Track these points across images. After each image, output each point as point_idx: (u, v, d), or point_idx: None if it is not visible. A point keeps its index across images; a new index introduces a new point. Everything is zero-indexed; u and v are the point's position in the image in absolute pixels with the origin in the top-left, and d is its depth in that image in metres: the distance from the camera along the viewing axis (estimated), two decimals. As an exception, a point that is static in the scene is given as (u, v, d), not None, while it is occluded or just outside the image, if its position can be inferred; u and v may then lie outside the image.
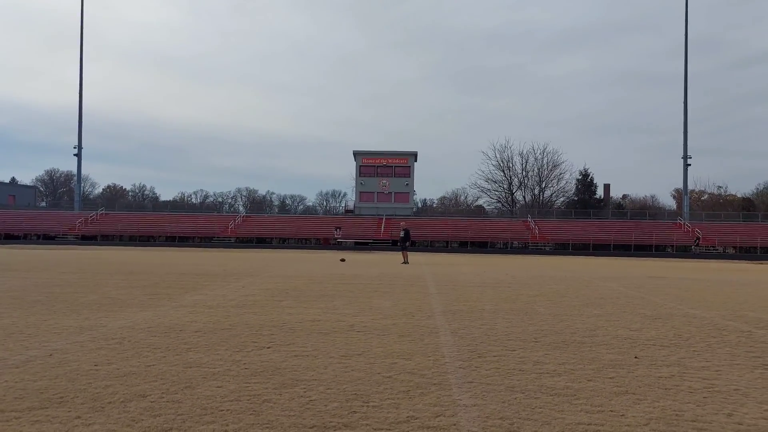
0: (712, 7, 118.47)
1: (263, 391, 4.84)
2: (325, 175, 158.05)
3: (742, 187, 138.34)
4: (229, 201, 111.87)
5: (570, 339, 7.47)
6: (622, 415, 4.39)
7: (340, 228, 57.79)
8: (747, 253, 50.78)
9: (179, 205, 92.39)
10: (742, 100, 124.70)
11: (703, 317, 9.71)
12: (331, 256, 33.86)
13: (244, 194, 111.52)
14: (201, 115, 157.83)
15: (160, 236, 58.19)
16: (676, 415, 4.40)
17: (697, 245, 49.89)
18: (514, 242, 57.00)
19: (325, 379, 5.26)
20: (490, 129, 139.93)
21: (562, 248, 53.49)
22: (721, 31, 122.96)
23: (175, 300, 10.80)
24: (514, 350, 6.71)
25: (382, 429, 3.99)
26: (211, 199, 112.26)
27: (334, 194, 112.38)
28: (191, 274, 17.32)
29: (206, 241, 57.03)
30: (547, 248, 54.89)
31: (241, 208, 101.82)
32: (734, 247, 53.50)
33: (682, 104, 61.71)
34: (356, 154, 68.13)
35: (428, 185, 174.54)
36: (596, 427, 4.10)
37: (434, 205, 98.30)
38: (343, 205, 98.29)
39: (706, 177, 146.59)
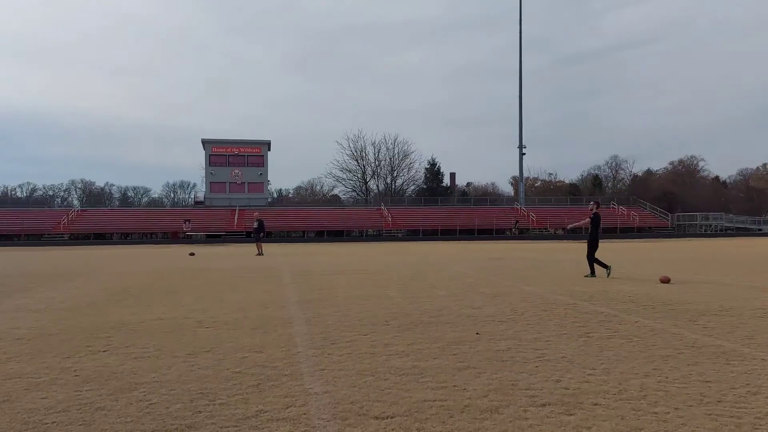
0: (545, 8, 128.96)
1: (96, 398, 4.45)
2: (171, 165, 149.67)
3: (568, 173, 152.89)
4: (62, 194, 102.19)
5: (418, 320, 7.75)
6: (464, 389, 4.61)
7: (189, 220, 55.17)
8: (573, 233, 56.38)
9: (1, 200, 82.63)
10: (568, 95, 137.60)
11: (536, 293, 10.57)
12: (179, 251, 32.24)
13: (79, 186, 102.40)
14: (24, 98, 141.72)
15: (-23, 235, 51.62)
16: (512, 384, 4.72)
17: (516, 226, 54.22)
18: (369, 230, 58.26)
19: (168, 380, 4.96)
20: (344, 119, 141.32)
21: (414, 234, 55.63)
22: (553, 31, 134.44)
23: (-6, 305, 9.61)
24: (366, 334, 6.82)
25: (228, 426, 3.83)
26: (40, 192, 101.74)
27: (183, 185, 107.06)
28: (14, 276, 15.56)
29: (34, 239, 51.56)
30: (400, 235, 56.76)
31: (75, 202, 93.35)
32: (563, 228, 59.14)
33: (518, 97, 66.65)
34: (205, 142, 65.31)
35: (283, 175, 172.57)
36: (440, 403, 4.26)
37: (290, 195, 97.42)
38: (192, 196, 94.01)
39: (539, 165, 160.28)
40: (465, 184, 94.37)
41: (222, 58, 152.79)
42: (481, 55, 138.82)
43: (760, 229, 59.83)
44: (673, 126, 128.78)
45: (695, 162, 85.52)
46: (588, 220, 13.92)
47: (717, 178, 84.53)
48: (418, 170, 78.72)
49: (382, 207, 62.63)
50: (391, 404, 4.25)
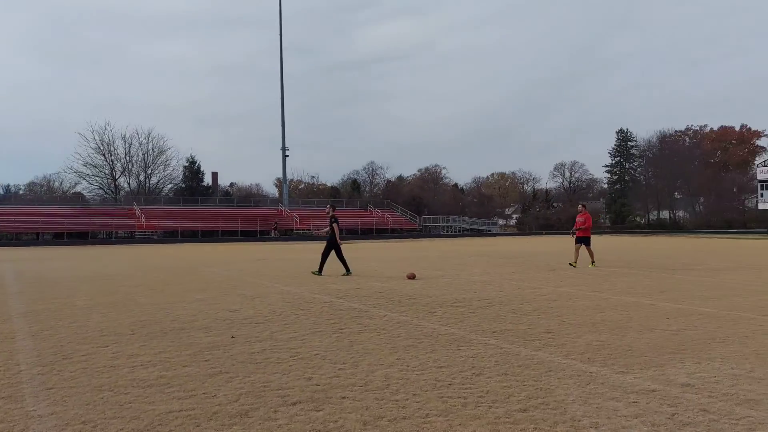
0: (308, 13, 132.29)
1: None
2: None
3: (331, 177, 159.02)
4: None
5: (169, 327, 7.27)
6: (214, 395, 4.42)
7: None
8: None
9: None
10: (330, 102, 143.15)
11: (295, 293, 10.70)
12: None
13: None
14: None
15: None
16: (264, 386, 4.66)
17: (275, 228, 54.82)
18: (120, 231, 53.47)
19: None
20: (87, 108, 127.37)
21: (171, 236, 52.53)
22: (314, 41, 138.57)
23: None
24: (107, 346, 6.18)
25: None
26: None
27: None
28: None
29: None
30: (156, 236, 53.12)
31: None
32: (312, 232, 61.56)
33: (280, 100, 67.26)
34: None
35: (11, 169, 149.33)
36: (187, 413, 4.02)
37: (21, 192, 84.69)
38: None
39: (303, 167, 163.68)
40: (228, 184, 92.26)
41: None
42: (244, 55, 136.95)
43: (490, 230, 69.07)
44: (421, 136, 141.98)
45: (439, 170, 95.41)
46: (335, 226, 14.43)
47: (456, 185, 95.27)
48: (176, 168, 74.62)
49: (135, 206, 58.00)
50: (130, 419, 3.88)
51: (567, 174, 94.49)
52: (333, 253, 14.36)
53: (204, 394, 4.47)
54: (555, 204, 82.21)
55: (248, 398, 4.34)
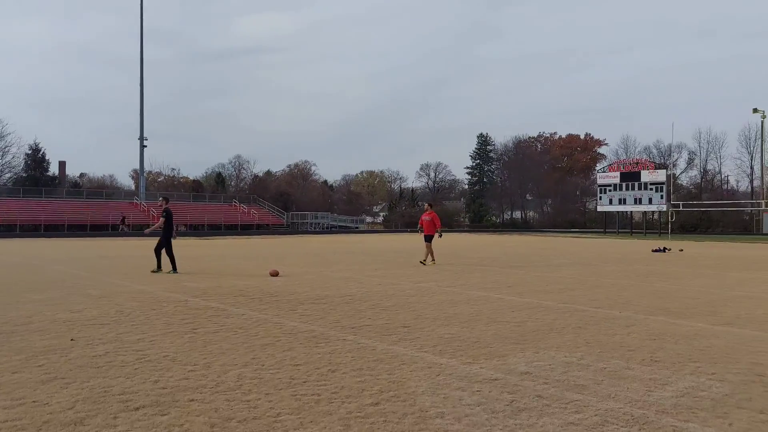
0: (171, 1, 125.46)
1: None
2: None
3: (194, 170, 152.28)
4: None
5: (-2, 330, 6.55)
6: (46, 403, 4.05)
7: None
8: (196, 229, 56.40)
9: None
10: (195, 92, 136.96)
11: (148, 291, 10.11)
12: None
13: None
14: None
15: None
16: (104, 391, 4.34)
17: (124, 223, 51.59)
18: (-55, 224, 47.39)
19: None
20: None
21: (9, 230, 47.51)
22: (178, 26, 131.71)
23: None
24: None
25: None
26: None
27: None
28: None
29: None
30: (-10, 230, 47.74)
31: None
32: (186, 225, 58.64)
33: (139, 88, 63.27)
34: None
35: None
36: (13, 423, 3.65)
37: None
38: None
39: (163, 160, 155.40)
40: (78, 174, 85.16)
41: None
42: (100, 37, 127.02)
43: (357, 227, 70.00)
44: (291, 132, 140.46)
45: (308, 166, 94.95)
46: (162, 220, 13.99)
47: (325, 181, 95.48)
48: (16, 155, 67.60)
49: (-34, 196, 51.77)
50: (-62, 437, 3.44)
51: (432, 174, 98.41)
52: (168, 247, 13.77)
53: (34, 402, 4.07)
54: (420, 203, 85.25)
55: (85, 405, 4.03)
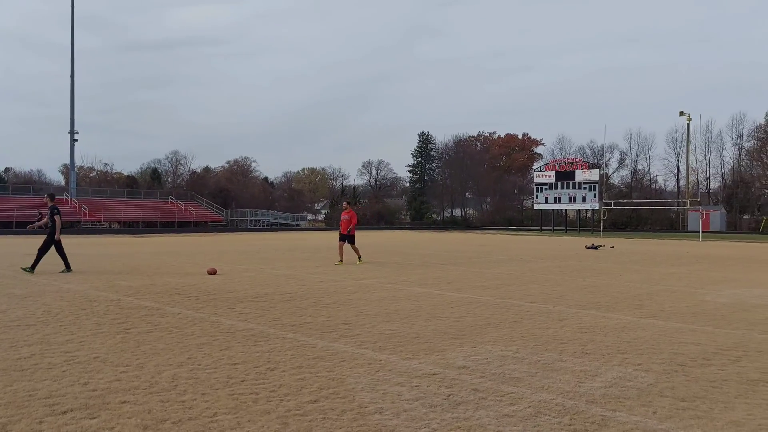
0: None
1: None
2: None
3: (128, 165, 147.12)
4: None
5: None
6: (-37, 410, 3.83)
7: None
8: (130, 226, 54.50)
9: None
10: (129, 84, 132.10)
11: (77, 290, 9.71)
12: None
13: None
14: None
15: None
16: (29, 395, 4.14)
17: (39, 220, 49.65)
18: None
19: None
20: None
21: (-75, 227, 44.59)
22: (110, 14, 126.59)
23: None
24: None
25: None
26: None
27: None
28: None
29: None
30: None
31: None
32: (119, 222, 56.53)
33: (70, 78, 60.56)
34: None
35: None
36: (-76, 434, 3.43)
37: None
38: None
39: (94, 154, 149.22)
40: (3, 169, 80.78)
41: None
42: (23, 21, 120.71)
43: (298, 225, 69.41)
44: (231, 127, 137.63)
45: (249, 162, 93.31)
46: (46, 218, 13.33)
47: (266, 178, 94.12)
48: (-66, 148, 63.46)
49: None
50: None
51: (374, 172, 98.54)
52: (55, 248, 13.09)
53: (-51, 410, 3.84)
54: (362, 200, 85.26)
55: (8, 410, 3.83)
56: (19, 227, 47.13)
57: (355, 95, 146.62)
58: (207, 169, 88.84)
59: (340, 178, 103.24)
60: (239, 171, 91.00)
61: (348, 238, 15.95)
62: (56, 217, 13.11)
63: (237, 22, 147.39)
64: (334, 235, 42.14)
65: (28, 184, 67.29)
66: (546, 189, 56.96)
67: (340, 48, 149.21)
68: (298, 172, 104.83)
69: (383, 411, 3.92)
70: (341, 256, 15.93)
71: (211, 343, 5.89)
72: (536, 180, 58.77)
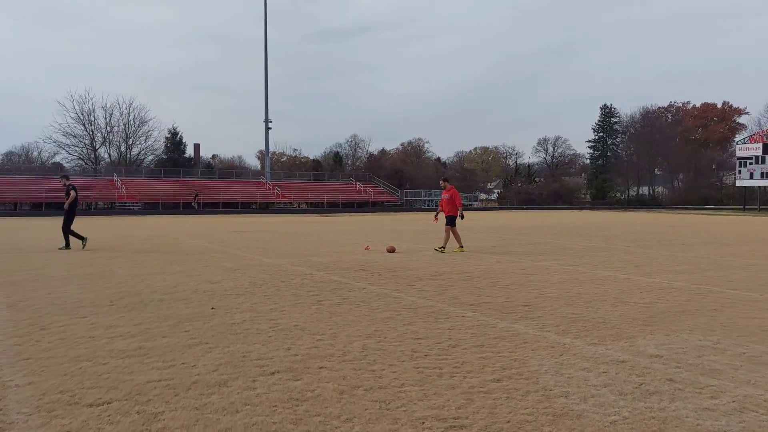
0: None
1: None
2: None
3: (313, 150, 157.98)
4: None
5: (149, 298, 7.27)
6: (194, 365, 4.46)
7: None
8: (316, 207, 58.71)
9: None
10: (313, 72, 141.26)
11: (276, 264, 10.73)
12: None
13: None
14: None
15: None
16: (243, 356, 4.71)
17: (195, 200, 54.09)
18: (99, 203, 52.83)
19: None
20: (65, 76, 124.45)
21: (152, 207, 52.09)
22: (297, 5, 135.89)
23: None
24: (85, 317, 6.17)
25: None
26: None
27: None
28: None
29: None
30: (136, 208, 52.61)
31: None
32: (307, 202, 61.17)
33: (264, 70, 66.27)
34: None
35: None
36: (166, 382, 4.06)
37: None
38: None
39: (286, 140, 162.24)
40: (210, 156, 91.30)
41: None
42: (226, 22, 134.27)
43: (471, 204, 69.41)
44: (405, 109, 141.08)
45: (422, 144, 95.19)
46: (74, 195, 13.98)
47: (439, 159, 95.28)
48: (158, 139, 73.57)
49: (115, 177, 57.32)
50: (108, 389, 3.91)
51: (550, 149, 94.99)
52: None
53: (183, 364, 4.50)
54: (537, 179, 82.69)
55: (227, 368, 4.39)
56: (225, 207, 53.09)
57: (528, 70, 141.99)
58: (383, 152, 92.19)
59: (513, 156, 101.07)
60: (413, 152, 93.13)
61: (449, 219, 13.58)
62: (72, 192, 13.94)
63: (410, 4, 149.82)
64: (508, 215, 41.57)
65: (231, 170, 75.16)
66: (751, 163, 50.58)
67: (514, 21, 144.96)
68: (470, 151, 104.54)
69: (569, 395, 3.84)
70: (445, 243, 13.51)
71: (395, 318, 6.18)
72: (739, 153, 52.39)
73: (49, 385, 3.98)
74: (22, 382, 4.05)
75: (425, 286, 8.40)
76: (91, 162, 71.33)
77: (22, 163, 78.17)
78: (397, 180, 73.43)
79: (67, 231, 13.85)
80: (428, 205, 64.98)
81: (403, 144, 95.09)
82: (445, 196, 13.89)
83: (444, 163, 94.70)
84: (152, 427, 3.30)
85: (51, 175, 60.14)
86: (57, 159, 74.21)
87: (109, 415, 3.46)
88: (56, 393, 3.84)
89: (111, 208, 51.67)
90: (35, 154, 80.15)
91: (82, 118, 69.67)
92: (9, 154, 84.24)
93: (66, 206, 13.99)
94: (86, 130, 70.43)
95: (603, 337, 5.41)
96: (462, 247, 13.49)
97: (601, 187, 77.33)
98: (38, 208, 48.99)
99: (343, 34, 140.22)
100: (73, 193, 13.92)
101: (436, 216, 14.28)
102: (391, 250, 13.18)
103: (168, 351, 4.87)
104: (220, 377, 4.18)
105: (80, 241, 13.95)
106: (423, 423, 3.37)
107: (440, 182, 14.57)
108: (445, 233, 13.55)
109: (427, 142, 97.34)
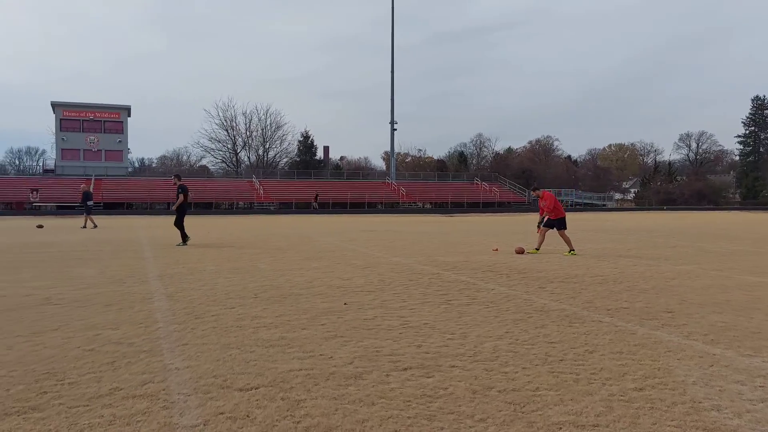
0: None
1: None
2: (15, 130, 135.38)
3: (437, 150, 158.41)
4: None
5: (288, 292, 7.71)
6: (331, 357, 4.68)
7: (37, 190, 50.37)
8: (440, 207, 58.85)
9: None
10: (437, 73, 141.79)
11: (404, 263, 10.92)
12: (25, 223, 29.38)
13: None
14: None
15: None
16: (376, 351, 4.86)
17: (317, 200, 55.11)
18: (240, 203, 56.72)
19: (8, 361, 4.54)
20: (211, 85, 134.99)
21: (286, 207, 55.05)
22: (426, 9, 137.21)
23: None
24: (233, 308, 6.67)
25: (78, 406, 3.59)
26: None
27: (29, 151, 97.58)
28: None
29: None
30: (272, 208, 55.87)
31: None
32: (431, 202, 61.49)
33: (390, 73, 67.54)
34: (55, 105, 59.68)
35: (146, 143, 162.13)
36: (306, 372, 4.29)
37: (153, 165, 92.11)
38: (41, 164, 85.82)
39: (410, 141, 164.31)
40: (338, 157, 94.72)
41: (70, 10, 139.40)
42: (354, 28, 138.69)
43: (605, 205, 66.06)
44: (532, 107, 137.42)
45: (551, 141, 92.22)
46: (182, 196, 15.32)
47: (569, 157, 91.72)
48: (291, 142, 77.66)
49: (254, 179, 61.19)
50: (256, 376, 4.21)
51: (693, 145, 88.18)
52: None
53: (321, 355, 4.73)
54: (678, 177, 76.98)
55: (362, 362, 4.56)
56: (353, 207, 54.78)
57: (668, 60, 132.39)
58: (509, 150, 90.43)
59: (652, 154, 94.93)
60: (541, 150, 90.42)
61: (556, 222, 13.16)
62: (181, 195, 15.30)
63: (533, 2, 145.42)
64: (644, 216, 39.10)
65: (357, 171, 77.39)
66: None
67: (650, 9, 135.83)
68: (603, 148, 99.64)
69: (721, 409, 3.57)
70: (570, 245, 13.07)
71: (526, 320, 6.07)
72: None
73: (204, 369, 4.36)
74: (181, 365, 4.47)
75: (557, 288, 8.15)
76: (233, 165, 76.66)
77: (173, 166, 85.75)
78: (524, 179, 71.66)
79: (180, 227, 15.35)
80: (557, 206, 62.75)
81: (530, 142, 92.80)
82: (542, 204, 13.41)
83: (575, 161, 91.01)
84: (296, 413, 3.51)
85: (198, 177, 65.29)
86: (203, 162, 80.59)
87: (257, 400, 3.73)
88: (210, 377, 4.19)
89: (250, 208, 55.20)
90: (185, 157, 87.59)
91: (225, 124, 75.14)
92: (162, 158, 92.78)
93: (175, 207, 15.59)
94: (229, 135, 75.88)
95: (759, 349, 4.95)
96: (573, 250, 13.01)
97: (752, 186, 70.40)
98: (188, 207, 53.31)
99: (468, 32, 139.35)
100: (181, 196, 15.43)
101: (541, 222, 13.53)
102: (520, 251, 12.92)
103: (307, 342, 5.14)
104: (356, 370, 4.34)
105: (182, 239, 15.26)
106: (560, 428, 3.29)
107: (533, 192, 13.99)
108: (562, 237, 13.19)
109: (557, 139, 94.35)
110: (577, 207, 62.73)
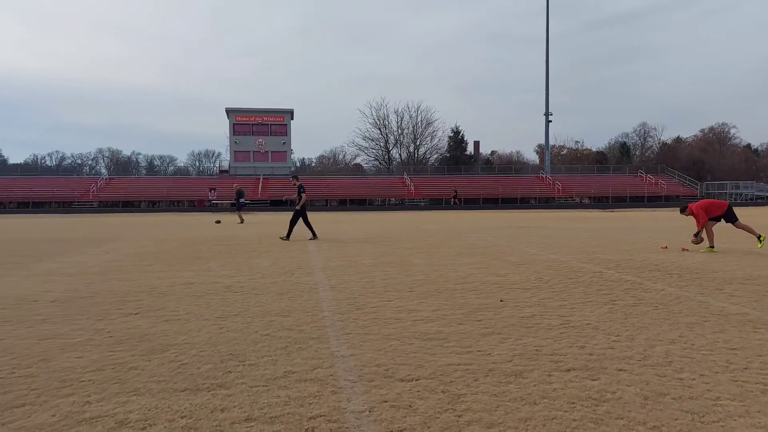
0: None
1: (129, 358, 4.59)
2: (196, 134, 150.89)
3: (596, 141, 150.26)
4: (90, 163, 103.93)
5: (443, 287, 7.79)
6: (489, 354, 4.66)
7: (215, 189, 55.75)
8: (600, 201, 55.75)
9: (31, 168, 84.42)
10: (594, 61, 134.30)
11: (562, 261, 10.53)
12: (205, 218, 32.67)
13: (107, 155, 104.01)
14: (49, 66, 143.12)
15: (9, 202, 52.95)
16: (536, 350, 4.75)
17: (455, 197, 53.43)
18: (392, 199, 58.28)
19: (198, 342, 5.09)
20: (366, 86, 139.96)
21: (437, 204, 55.55)
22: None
23: (27, 269, 9.90)
24: (391, 300, 6.89)
25: (258, 386, 3.94)
26: (69, 160, 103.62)
27: (208, 154, 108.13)
28: (46, 241, 15.95)
29: (65, 206, 52.69)
30: (423, 204, 56.69)
31: (103, 170, 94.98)
32: (589, 197, 58.46)
33: (544, 63, 65.31)
34: (229, 111, 65.55)
35: (306, 144, 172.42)
36: (465, 367, 4.32)
37: (313, 164, 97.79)
38: (217, 165, 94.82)
39: (565, 133, 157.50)
40: (489, 152, 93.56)
41: (245, 25, 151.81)
42: (504, 20, 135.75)
43: (794, 199, 58.41)
44: (703, 93, 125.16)
45: (726, 129, 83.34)
46: (298, 195, 15.88)
47: (749, 146, 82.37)
48: (441, 138, 78.17)
49: (405, 176, 62.48)
50: (416, 367, 4.31)
51: None
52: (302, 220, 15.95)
53: (479, 351, 4.73)
54: None
55: (521, 360, 4.48)
56: (504, 203, 53.83)
57: None
58: (678, 140, 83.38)
59: None
60: (715, 139, 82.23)
61: (725, 216, 12.01)
62: (303, 195, 15.74)
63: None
64: None
65: (509, 165, 75.91)
66: None
67: None
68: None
69: None
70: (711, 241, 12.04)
71: (701, 324, 5.58)
72: None
73: (368, 358, 4.56)
74: (347, 353, 4.71)
75: (736, 290, 7.38)
76: (385, 162, 78.91)
77: (330, 165, 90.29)
78: (695, 171, 65.65)
79: (303, 223, 16.01)
80: (735, 199, 56.72)
81: (702, 130, 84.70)
82: (694, 212, 12.15)
83: (756, 150, 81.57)
84: (457, 407, 3.55)
85: (353, 175, 68.11)
86: (358, 160, 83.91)
87: (418, 391, 3.83)
88: (373, 366, 4.37)
89: (401, 204, 56.51)
90: (341, 156, 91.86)
91: (378, 122, 77.59)
92: (321, 158, 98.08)
93: (298, 207, 16.14)
94: (381, 134, 78.20)
95: None
96: (713, 247, 12.05)
97: None
98: (343, 203, 56.01)
99: (626, 17, 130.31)
100: (304, 196, 16.06)
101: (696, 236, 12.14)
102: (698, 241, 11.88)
103: (464, 337, 5.16)
104: (516, 368, 4.29)
105: (287, 235, 15.90)
106: (747, 444, 2.99)
107: (681, 211, 12.75)
108: (709, 232, 12.18)
109: (734, 126, 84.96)
110: (758, 201, 56.15)
